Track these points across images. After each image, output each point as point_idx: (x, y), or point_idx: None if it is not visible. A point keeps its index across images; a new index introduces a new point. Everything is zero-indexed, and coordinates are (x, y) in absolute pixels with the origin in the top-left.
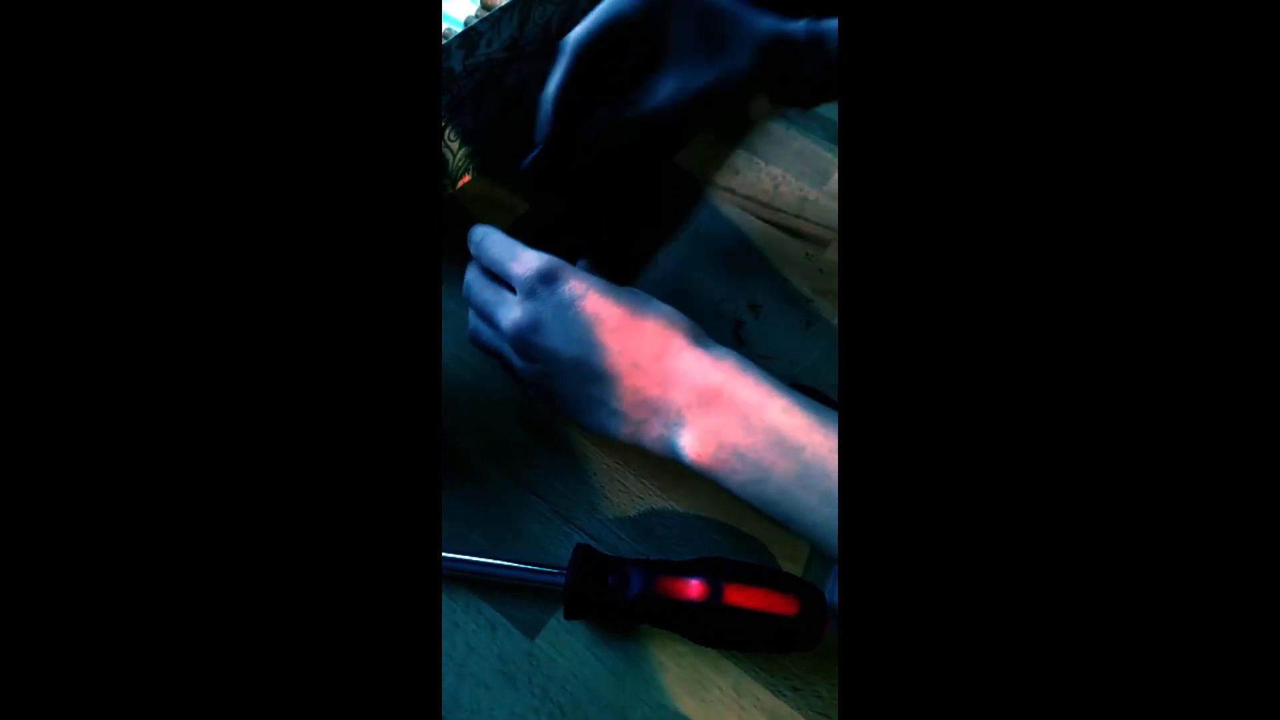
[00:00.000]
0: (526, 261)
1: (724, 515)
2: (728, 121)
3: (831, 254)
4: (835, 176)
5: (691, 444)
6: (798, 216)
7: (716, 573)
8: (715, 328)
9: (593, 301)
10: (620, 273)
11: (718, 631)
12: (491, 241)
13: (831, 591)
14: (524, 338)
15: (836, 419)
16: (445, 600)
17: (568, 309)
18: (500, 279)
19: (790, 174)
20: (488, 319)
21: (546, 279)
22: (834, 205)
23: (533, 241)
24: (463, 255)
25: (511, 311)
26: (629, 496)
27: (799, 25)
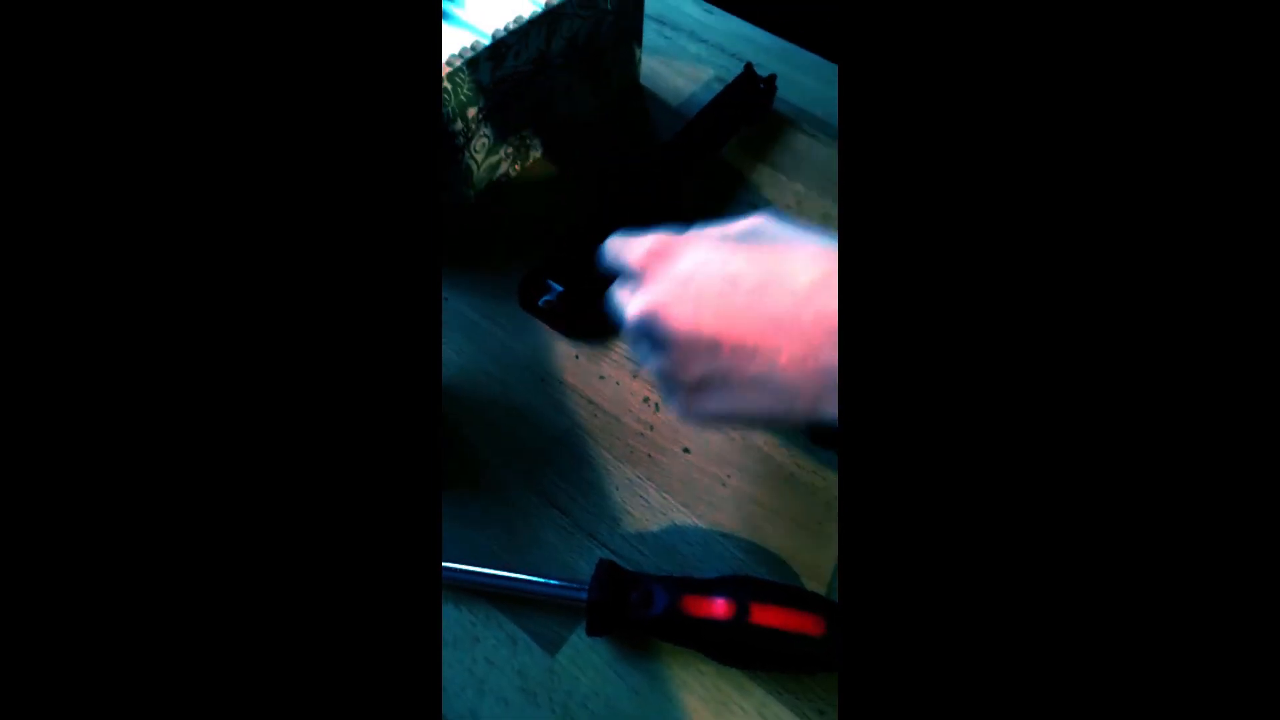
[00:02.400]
0: (635, 247)
1: (748, 532)
2: (749, 138)
3: None
4: None
5: None
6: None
7: (742, 591)
8: None
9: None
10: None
11: (742, 651)
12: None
13: None
14: (646, 327)
15: None
16: (466, 614)
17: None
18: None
19: (813, 190)
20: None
21: (659, 255)
22: None
23: (558, 254)
24: (484, 262)
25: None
26: (651, 511)
27: None
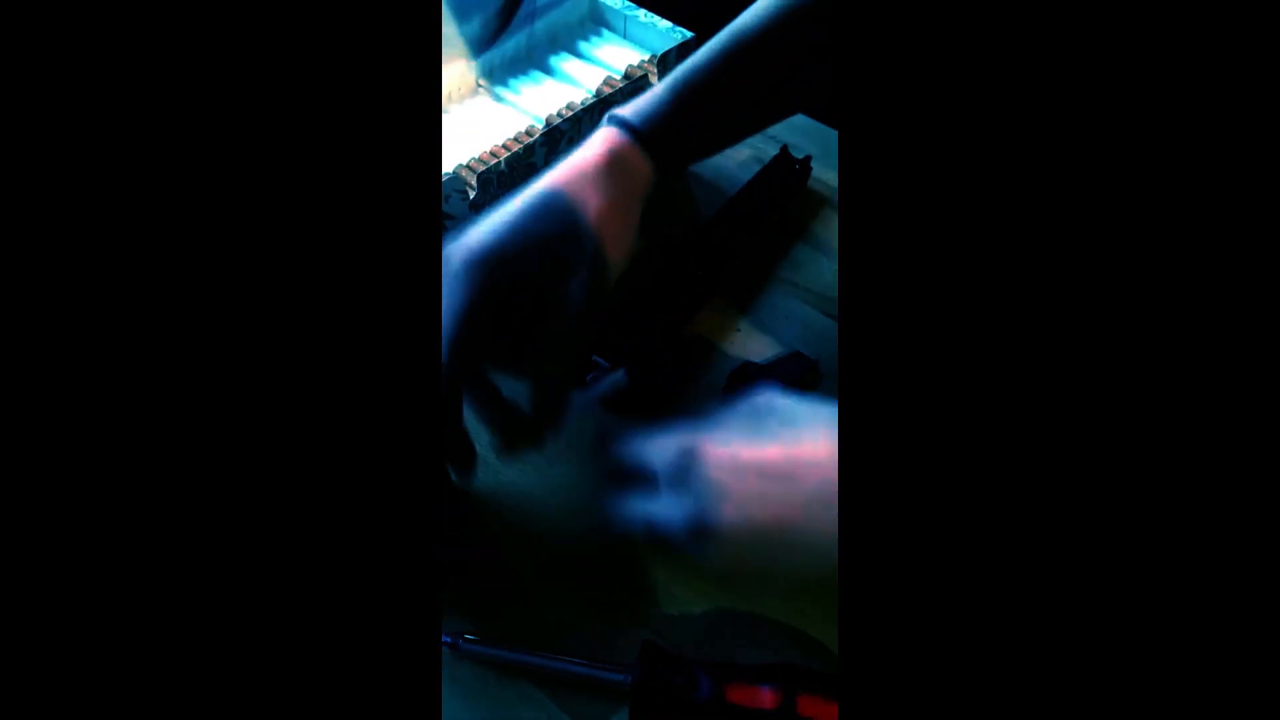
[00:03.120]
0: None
1: (792, 618)
2: (786, 217)
3: None
4: None
5: None
6: None
7: (789, 681)
8: None
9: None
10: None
11: None
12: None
13: None
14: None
15: None
16: (509, 693)
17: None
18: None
19: None
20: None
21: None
22: None
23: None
24: None
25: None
26: (693, 593)
27: None
